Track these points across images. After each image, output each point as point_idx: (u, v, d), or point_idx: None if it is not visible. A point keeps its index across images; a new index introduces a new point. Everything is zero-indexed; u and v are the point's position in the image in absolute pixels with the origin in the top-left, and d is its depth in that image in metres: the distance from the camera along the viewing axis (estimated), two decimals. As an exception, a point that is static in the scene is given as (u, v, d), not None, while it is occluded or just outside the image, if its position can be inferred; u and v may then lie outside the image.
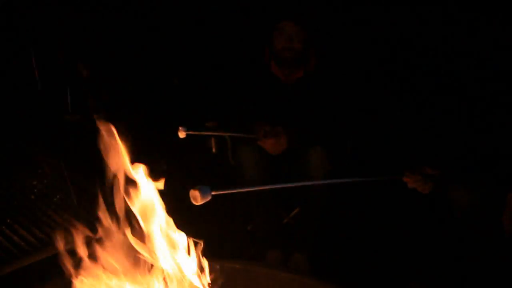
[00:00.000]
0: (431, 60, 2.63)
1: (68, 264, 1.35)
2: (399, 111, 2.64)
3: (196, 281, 1.39)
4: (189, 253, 1.43)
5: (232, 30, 3.51)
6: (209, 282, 1.43)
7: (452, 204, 2.00)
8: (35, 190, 2.00)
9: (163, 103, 3.73)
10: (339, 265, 2.38)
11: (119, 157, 1.32)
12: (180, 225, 1.44)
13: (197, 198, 1.47)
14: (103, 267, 1.36)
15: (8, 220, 1.80)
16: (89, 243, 1.37)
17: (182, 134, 2.34)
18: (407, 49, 2.82)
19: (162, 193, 1.44)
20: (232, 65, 3.13)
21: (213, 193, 1.49)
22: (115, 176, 1.34)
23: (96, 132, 1.33)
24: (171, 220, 1.42)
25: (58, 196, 1.94)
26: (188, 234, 1.43)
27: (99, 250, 1.36)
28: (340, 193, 2.56)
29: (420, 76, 2.65)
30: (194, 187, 1.48)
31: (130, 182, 1.36)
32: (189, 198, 1.51)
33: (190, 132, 2.35)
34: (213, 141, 2.73)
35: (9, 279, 1.59)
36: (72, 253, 1.38)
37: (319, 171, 2.35)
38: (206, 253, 1.45)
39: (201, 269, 1.43)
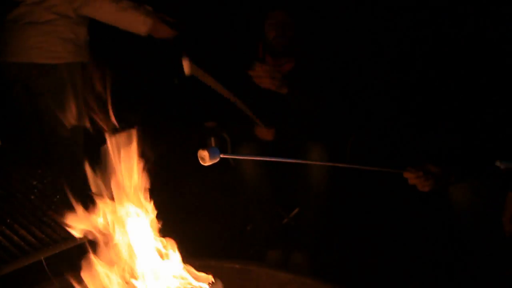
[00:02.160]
0: (433, 57, 2.63)
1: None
2: (401, 108, 2.64)
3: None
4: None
5: (227, 28, 3.53)
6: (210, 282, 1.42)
7: (452, 203, 2.00)
8: (35, 190, 2.00)
9: (163, 103, 3.73)
10: (339, 265, 2.38)
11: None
12: (180, 225, 1.43)
13: (205, 158, 1.45)
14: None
15: (8, 220, 1.79)
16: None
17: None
18: (409, 44, 2.82)
19: (161, 193, 1.44)
20: (228, 63, 3.13)
21: (221, 155, 1.47)
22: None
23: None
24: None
25: (58, 196, 1.93)
26: (188, 235, 1.43)
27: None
28: (340, 192, 2.56)
29: (422, 72, 2.65)
30: (203, 148, 1.45)
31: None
32: (188, 197, 1.50)
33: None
34: (213, 140, 2.73)
35: (9, 279, 1.59)
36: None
37: (318, 168, 2.37)
38: (206, 253, 1.44)
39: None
